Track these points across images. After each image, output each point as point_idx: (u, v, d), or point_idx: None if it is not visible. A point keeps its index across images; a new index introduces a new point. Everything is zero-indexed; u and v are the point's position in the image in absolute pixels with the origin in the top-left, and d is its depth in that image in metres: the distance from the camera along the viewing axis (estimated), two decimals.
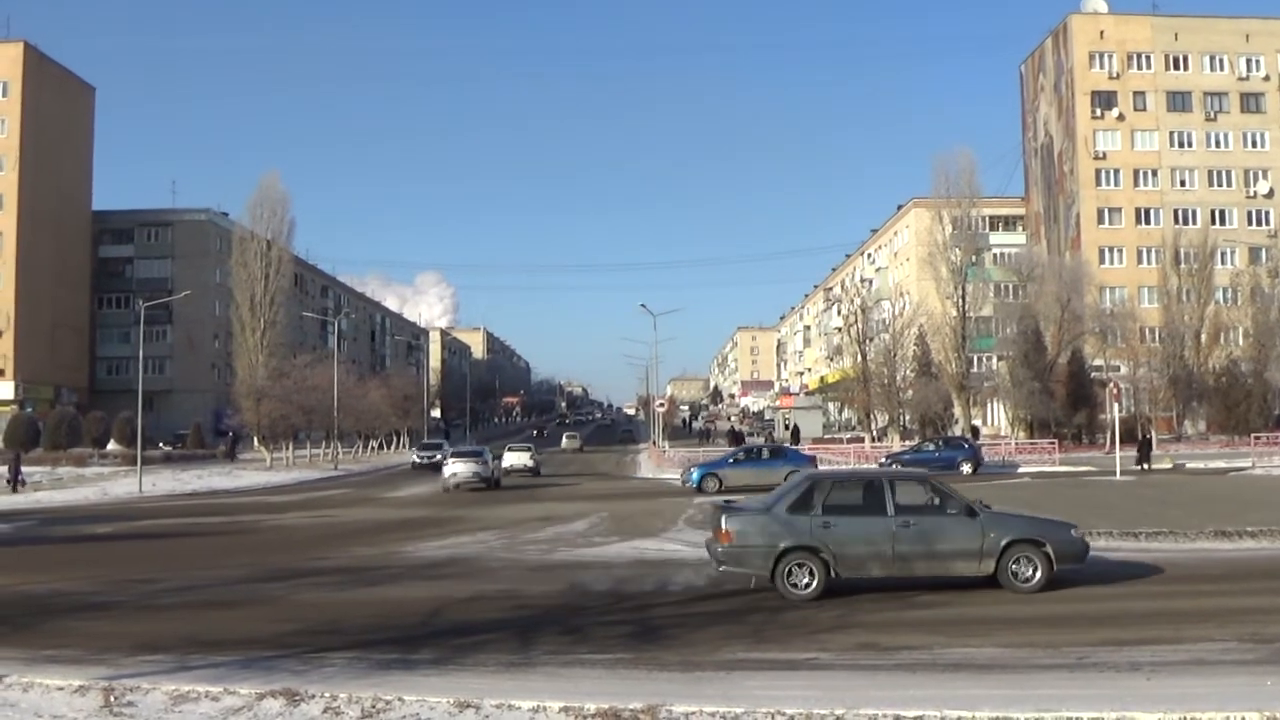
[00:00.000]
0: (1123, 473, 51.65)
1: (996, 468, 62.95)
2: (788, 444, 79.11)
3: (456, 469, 56.48)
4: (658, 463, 75.72)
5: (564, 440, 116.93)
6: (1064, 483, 47.51)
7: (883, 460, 62.36)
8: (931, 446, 63.75)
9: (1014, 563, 20.26)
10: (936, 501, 20.53)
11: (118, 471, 70.57)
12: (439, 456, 70.86)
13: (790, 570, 20.10)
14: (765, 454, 53.44)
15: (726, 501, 22.13)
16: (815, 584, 19.99)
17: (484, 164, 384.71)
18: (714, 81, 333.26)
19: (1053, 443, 71.80)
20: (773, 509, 20.53)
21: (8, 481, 57.43)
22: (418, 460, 77.50)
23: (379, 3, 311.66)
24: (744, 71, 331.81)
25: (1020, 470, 60.28)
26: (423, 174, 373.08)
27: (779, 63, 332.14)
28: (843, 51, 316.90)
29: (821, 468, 58.26)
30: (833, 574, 20.01)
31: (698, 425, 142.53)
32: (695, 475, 51.12)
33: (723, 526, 20.39)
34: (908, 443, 74.31)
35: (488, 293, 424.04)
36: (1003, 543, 20.21)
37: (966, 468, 58.53)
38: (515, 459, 69.96)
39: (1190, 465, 60.97)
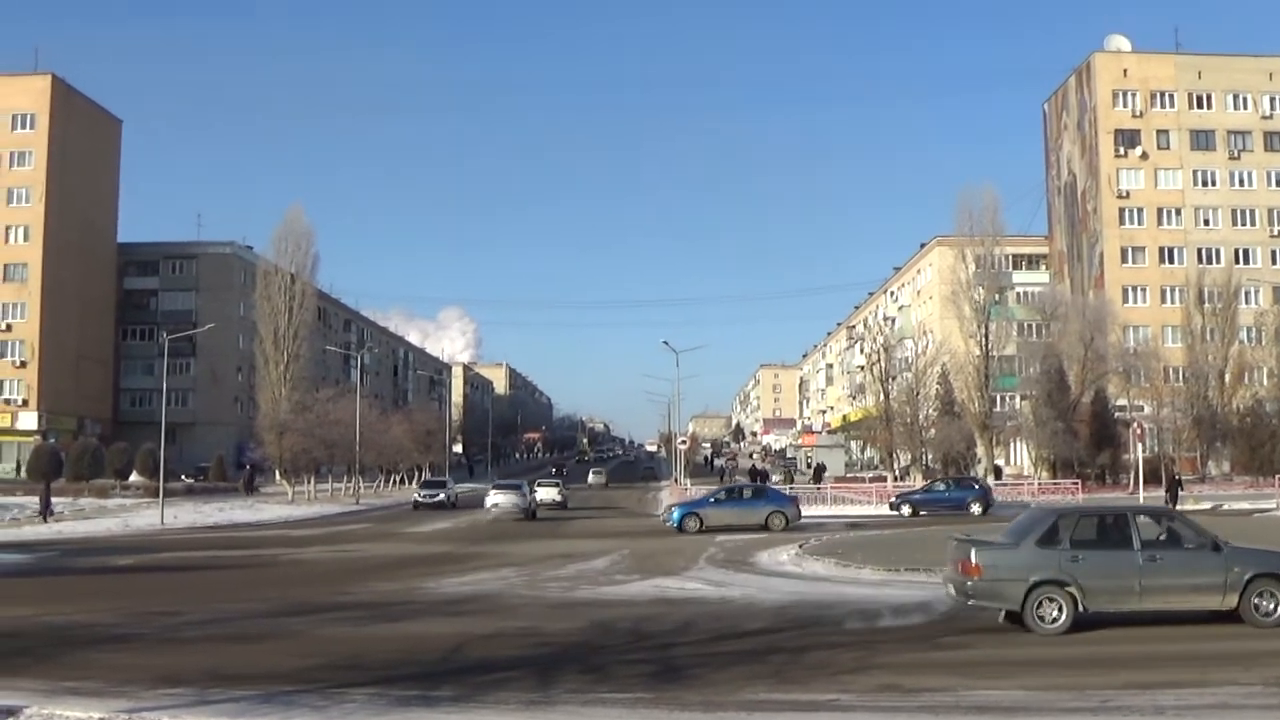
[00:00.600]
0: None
1: (1014, 507, 62.35)
2: (810, 482, 79.91)
3: (499, 500, 61.41)
4: (679, 500, 75.02)
5: (590, 476, 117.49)
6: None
7: (892, 500, 62.28)
8: (942, 486, 63.62)
9: (1257, 597, 20.24)
10: (1181, 536, 20.63)
11: (140, 503, 70.33)
12: (442, 495, 73.34)
13: (1040, 603, 20.12)
14: (747, 494, 52.74)
15: (965, 535, 22.16)
16: (1064, 618, 20.01)
17: (508, 198, 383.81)
18: (737, 115, 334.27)
19: (1076, 483, 71.07)
20: (1022, 543, 20.60)
21: (39, 513, 57.66)
22: (420, 499, 75.84)
23: (402, 34, 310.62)
24: (766, 105, 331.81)
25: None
26: (447, 207, 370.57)
27: (801, 97, 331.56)
28: (867, 86, 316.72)
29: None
30: (1080, 608, 20.04)
31: (719, 463, 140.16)
32: (676, 515, 50.38)
33: (972, 560, 20.44)
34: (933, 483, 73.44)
35: (510, 328, 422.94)
36: (1246, 577, 20.18)
37: (976, 508, 58.33)
38: (545, 494, 72.97)
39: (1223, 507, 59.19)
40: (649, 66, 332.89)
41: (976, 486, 62.03)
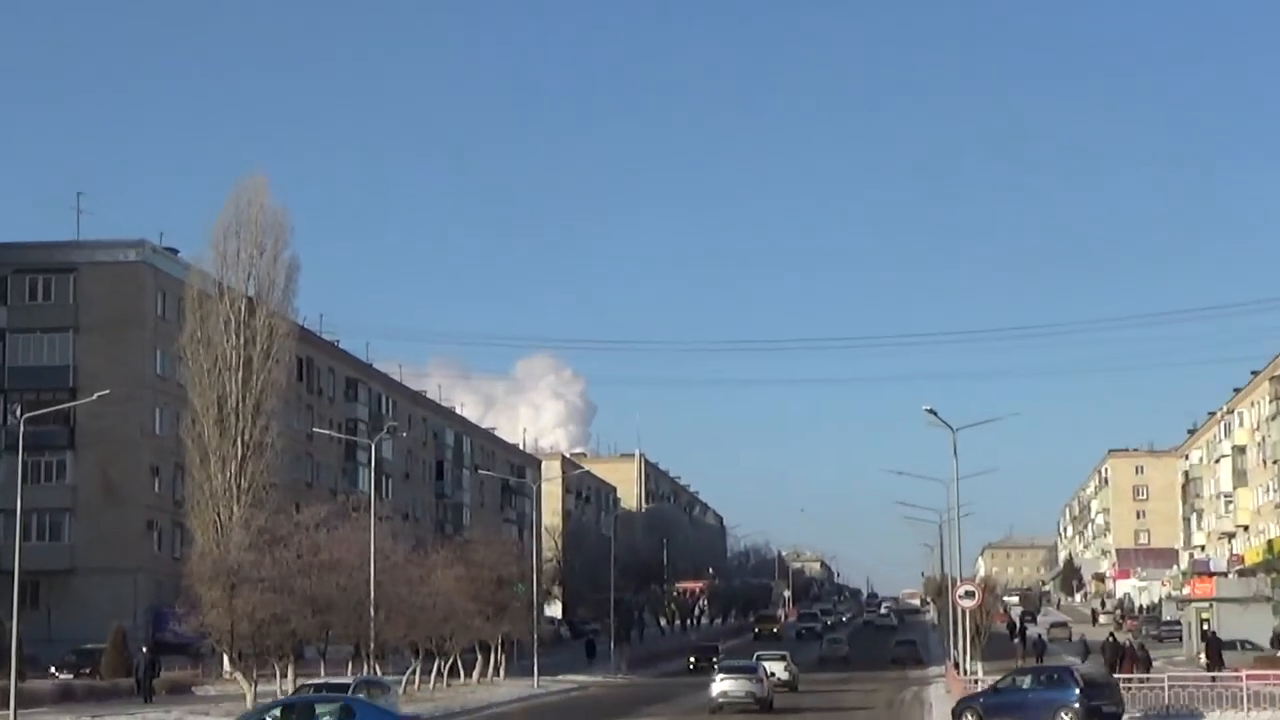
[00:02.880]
0: None
1: None
2: (1202, 658, 74.16)
3: (726, 686, 61.28)
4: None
5: (824, 645, 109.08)
6: None
7: None
8: None
9: None
10: None
11: None
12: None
13: None
14: (1028, 682, 52.81)
15: None
16: None
17: (621, 191, 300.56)
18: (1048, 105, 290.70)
19: None
20: None
21: None
22: None
23: None
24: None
25: None
26: (511, 198, 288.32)
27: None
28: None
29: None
30: None
31: (1035, 631, 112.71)
32: None
33: None
34: None
35: (641, 390, 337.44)
36: None
37: None
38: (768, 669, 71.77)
39: None
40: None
41: None
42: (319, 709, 44.16)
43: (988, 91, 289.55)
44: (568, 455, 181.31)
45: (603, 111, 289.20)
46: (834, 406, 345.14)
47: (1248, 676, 57.26)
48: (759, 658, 75.93)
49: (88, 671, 76.89)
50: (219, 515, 73.27)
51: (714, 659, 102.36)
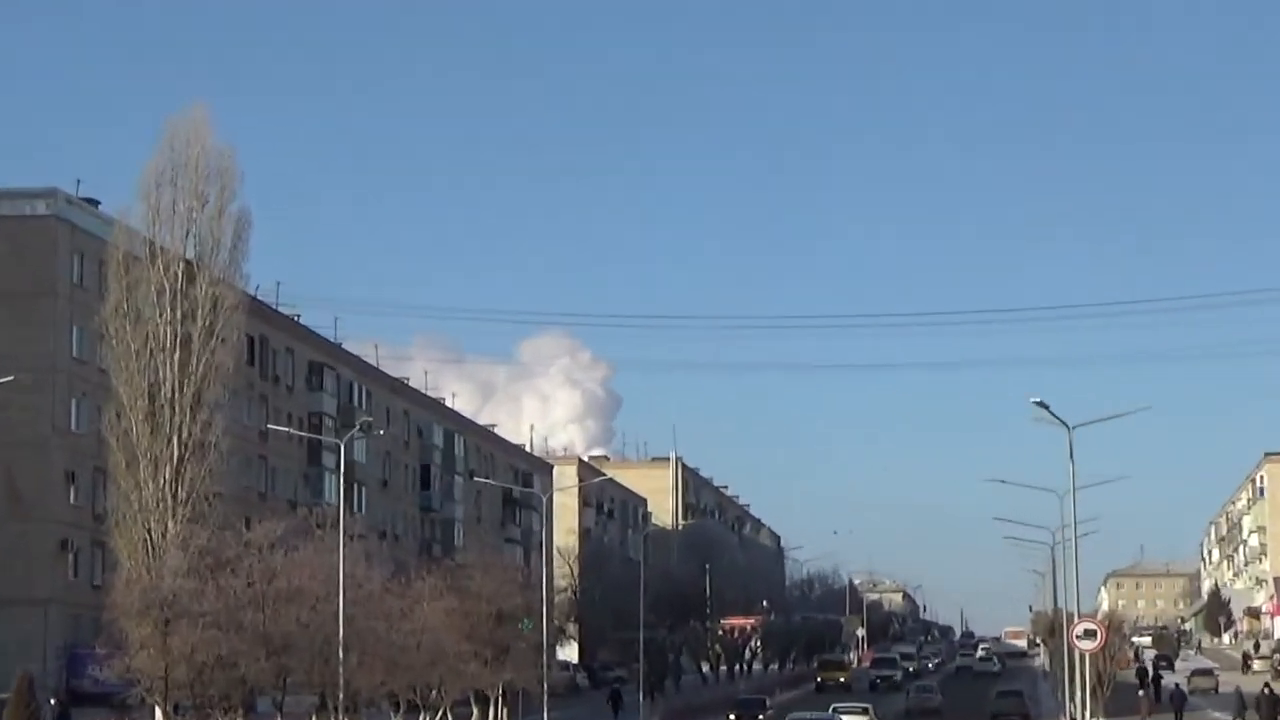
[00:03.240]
0: None
1: None
2: None
3: None
4: None
5: (911, 695, 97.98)
6: None
7: None
8: None
9: None
10: None
11: None
12: None
13: None
14: None
15: None
16: None
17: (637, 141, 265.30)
18: None
19: None
20: None
21: None
22: None
23: None
24: None
25: None
26: (505, 149, 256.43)
27: None
28: None
29: None
30: None
31: (1172, 680, 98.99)
32: None
33: None
34: None
35: (677, 376, 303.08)
36: None
37: None
38: None
39: None
40: None
41: None
42: None
43: (1100, 31, 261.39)
44: (585, 459, 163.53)
45: (621, 30, 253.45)
46: (917, 398, 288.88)
47: None
48: (835, 710, 72.91)
49: None
50: (150, 533, 64.75)
51: (760, 715, 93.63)
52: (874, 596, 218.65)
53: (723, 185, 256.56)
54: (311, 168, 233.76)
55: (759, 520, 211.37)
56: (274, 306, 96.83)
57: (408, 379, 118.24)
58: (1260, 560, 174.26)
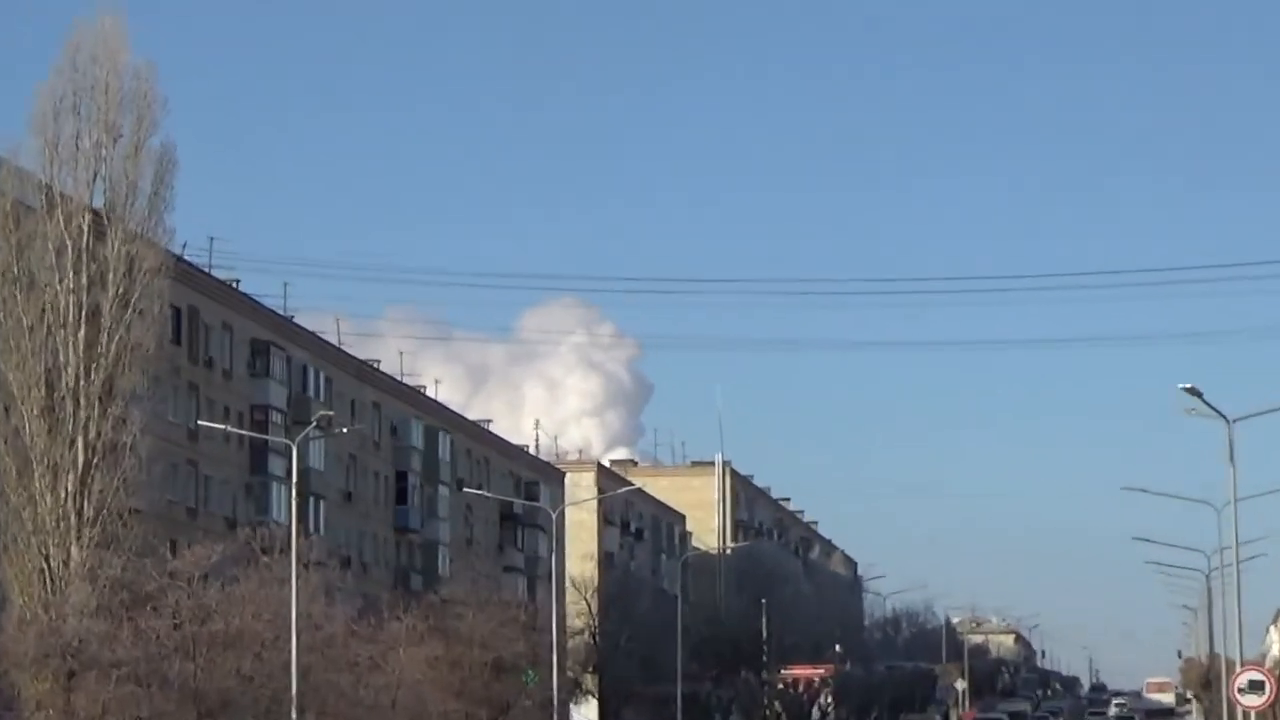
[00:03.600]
0: None
1: None
2: None
3: None
4: None
5: None
6: None
7: None
8: None
9: None
10: None
11: None
12: None
13: None
14: None
15: None
16: None
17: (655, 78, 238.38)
18: None
19: None
20: None
21: None
22: None
23: None
24: None
25: None
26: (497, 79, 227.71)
27: None
28: None
29: None
30: None
31: None
32: None
33: None
34: None
35: (722, 357, 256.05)
36: None
37: None
38: None
39: None
40: None
41: None
42: None
43: None
44: (606, 463, 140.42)
45: None
46: (1028, 385, 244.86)
47: None
48: None
49: None
50: (48, 560, 58.12)
51: None
52: (978, 639, 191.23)
53: (771, 108, 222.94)
54: (255, 94, 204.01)
55: (830, 542, 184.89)
56: (207, 270, 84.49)
57: (378, 362, 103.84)
58: None
